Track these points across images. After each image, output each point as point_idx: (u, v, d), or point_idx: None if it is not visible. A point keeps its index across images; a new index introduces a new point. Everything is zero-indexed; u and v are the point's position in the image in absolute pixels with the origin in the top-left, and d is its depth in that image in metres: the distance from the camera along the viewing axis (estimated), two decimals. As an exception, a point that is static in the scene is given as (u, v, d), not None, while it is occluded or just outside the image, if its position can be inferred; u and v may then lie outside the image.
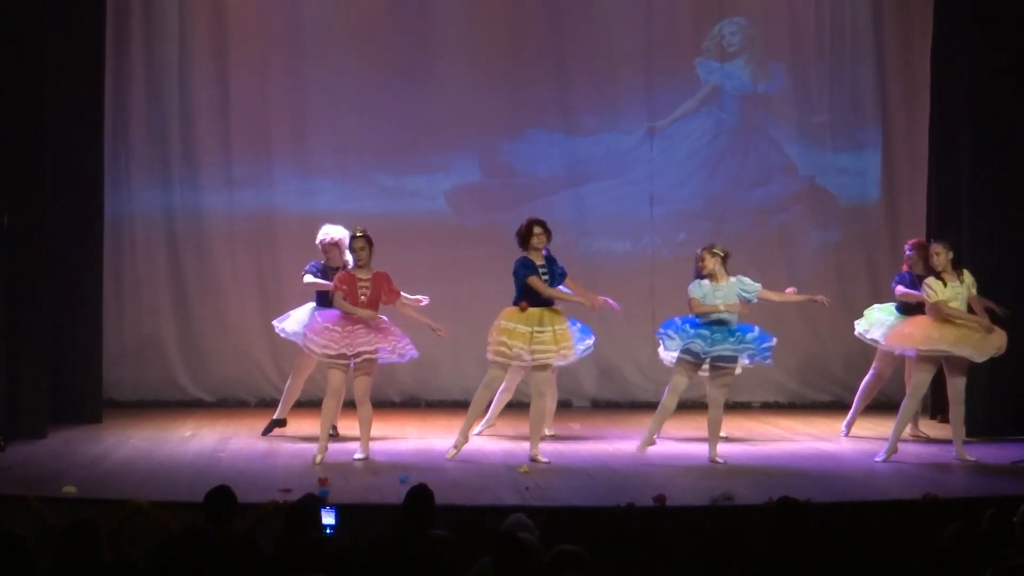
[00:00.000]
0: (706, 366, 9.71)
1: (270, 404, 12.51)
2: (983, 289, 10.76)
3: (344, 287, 9.57)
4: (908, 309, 10.41)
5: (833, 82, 13.25)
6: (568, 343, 9.61)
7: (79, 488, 7.96)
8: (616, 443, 10.50)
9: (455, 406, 12.71)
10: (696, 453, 10.00)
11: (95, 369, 11.26)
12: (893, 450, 9.74)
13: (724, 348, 9.54)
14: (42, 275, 10.49)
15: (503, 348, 9.51)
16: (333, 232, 10.32)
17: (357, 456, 9.47)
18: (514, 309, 9.59)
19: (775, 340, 9.82)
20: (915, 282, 10.39)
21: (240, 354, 12.63)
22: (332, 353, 9.48)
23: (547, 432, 10.48)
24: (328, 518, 6.45)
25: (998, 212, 10.96)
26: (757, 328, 9.79)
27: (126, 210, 12.64)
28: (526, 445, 10.01)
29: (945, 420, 11.58)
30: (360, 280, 9.59)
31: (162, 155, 12.80)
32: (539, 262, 9.64)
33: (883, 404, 13.01)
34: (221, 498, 6.31)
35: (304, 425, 11.18)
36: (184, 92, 12.79)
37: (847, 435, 10.92)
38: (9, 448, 9.50)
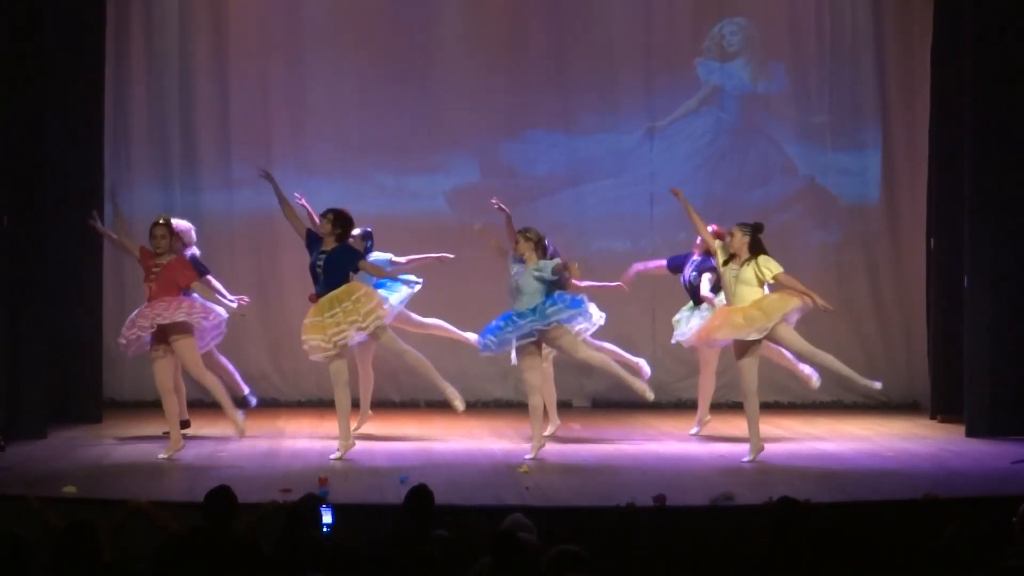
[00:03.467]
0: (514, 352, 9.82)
1: (270, 404, 12.53)
2: (987, 291, 10.81)
3: (141, 254, 9.65)
4: (696, 299, 10.56)
5: (833, 82, 13.24)
6: (363, 311, 9.49)
7: (79, 488, 7.95)
8: (616, 443, 10.50)
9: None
10: (696, 453, 10.01)
11: (95, 369, 11.25)
12: (759, 449, 9.60)
13: (527, 325, 9.56)
14: (42, 275, 10.49)
15: (305, 346, 9.58)
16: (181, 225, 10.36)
17: (161, 456, 9.35)
18: (312, 305, 9.67)
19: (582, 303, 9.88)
20: (694, 266, 10.60)
21: (240, 354, 12.60)
22: (123, 342, 9.58)
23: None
24: (326, 516, 6.45)
25: (998, 212, 10.94)
26: (563, 296, 9.77)
27: (126, 210, 12.60)
28: (526, 445, 10.02)
29: (946, 420, 11.63)
30: (155, 262, 9.59)
31: (162, 155, 12.81)
32: (324, 247, 9.65)
33: (883, 404, 13.04)
34: (221, 498, 6.31)
35: (305, 425, 11.20)
36: (184, 92, 12.80)
37: (698, 433, 10.87)
38: (9, 448, 9.50)
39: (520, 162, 13.19)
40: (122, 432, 10.60)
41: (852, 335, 13.18)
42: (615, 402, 13.00)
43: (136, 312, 9.62)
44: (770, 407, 12.83)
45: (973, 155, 10.99)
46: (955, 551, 5.73)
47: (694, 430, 10.94)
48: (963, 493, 8.22)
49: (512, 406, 12.42)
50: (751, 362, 9.59)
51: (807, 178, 13.30)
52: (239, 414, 9.74)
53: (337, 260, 9.61)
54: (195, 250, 10.52)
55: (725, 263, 9.68)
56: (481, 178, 13.18)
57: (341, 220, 9.72)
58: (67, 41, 10.95)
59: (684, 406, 12.54)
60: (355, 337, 9.57)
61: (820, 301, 9.62)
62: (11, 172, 10.23)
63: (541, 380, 9.82)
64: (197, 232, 12.32)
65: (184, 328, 9.53)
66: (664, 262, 11.06)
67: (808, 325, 12.98)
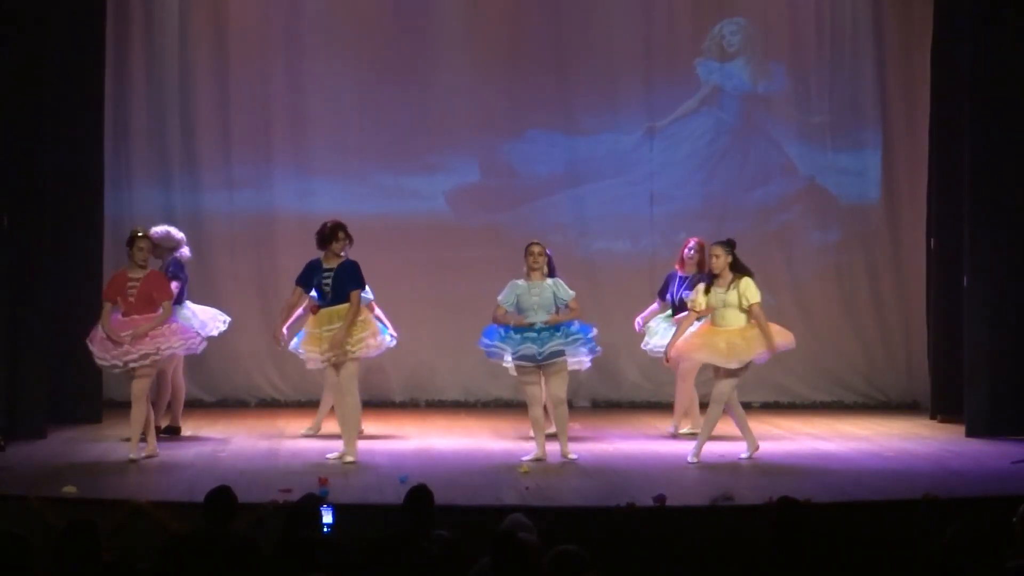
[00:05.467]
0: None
1: (270, 404, 12.57)
2: (986, 291, 10.82)
3: (111, 291, 9.46)
4: (679, 311, 10.48)
5: (833, 82, 13.25)
6: (355, 339, 9.40)
7: (79, 488, 7.95)
8: (616, 443, 10.51)
9: (455, 406, 12.73)
10: (696, 453, 10.00)
11: (95, 369, 11.21)
12: (755, 447, 9.67)
13: (555, 344, 9.43)
14: (42, 275, 10.49)
15: (299, 353, 9.59)
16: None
17: (132, 456, 9.29)
18: (310, 315, 9.62)
19: (595, 330, 9.70)
20: (678, 284, 10.56)
21: (240, 354, 12.64)
22: (107, 364, 9.38)
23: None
24: (326, 516, 6.46)
25: (998, 212, 10.94)
26: (572, 323, 9.62)
27: (126, 210, 12.63)
28: (526, 445, 10.02)
29: (946, 420, 11.63)
30: (130, 279, 9.43)
31: (162, 155, 12.81)
32: (329, 265, 9.52)
33: (883, 404, 13.06)
34: (221, 498, 6.31)
35: (305, 425, 11.19)
36: (184, 92, 12.80)
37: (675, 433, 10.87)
38: (9, 448, 9.52)
39: (520, 162, 13.19)
40: (122, 432, 10.57)
41: (852, 335, 13.19)
42: (615, 402, 13.02)
43: (116, 332, 9.32)
44: (770, 407, 12.87)
45: (973, 155, 10.99)
46: (955, 551, 5.72)
47: (671, 429, 10.93)
48: (963, 493, 8.22)
49: (512, 406, 12.42)
50: (732, 383, 9.54)
51: (807, 178, 13.31)
52: (142, 447, 9.47)
53: (343, 277, 9.52)
54: (186, 250, 10.43)
55: (709, 287, 9.61)
56: (481, 178, 13.18)
57: (348, 234, 9.65)
58: (67, 41, 10.95)
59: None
60: (348, 358, 9.45)
61: (776, 343, 9.48)
62: (11, 172, 10.23)
63: (542, 392, 9.74)
64: (197, 232, 12.35)
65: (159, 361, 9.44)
66: (656, 304, 10.89)
67: (809, 324, 13.04)
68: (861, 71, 13.23)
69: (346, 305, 9.43)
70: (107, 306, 9.47)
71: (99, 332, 9.45)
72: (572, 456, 9.49)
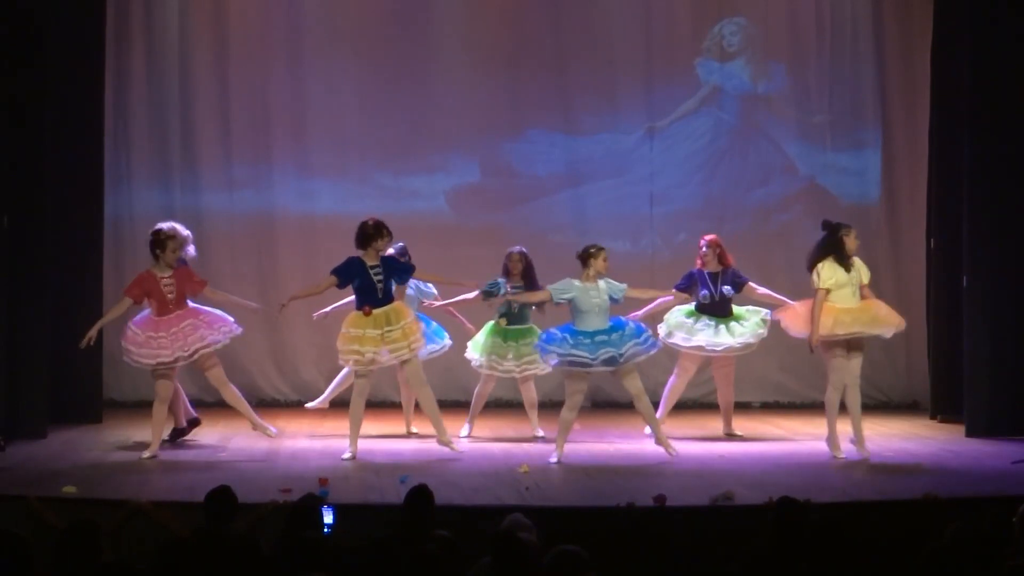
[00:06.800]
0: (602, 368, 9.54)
1: (270, 404, 12.55)
2: (986, 291, 10.82)
3: (140, 291, 9.52)
4: (705, 308, 10.51)
5: (833, 82, 13.25)
6: (416, 335, 9.61)
7: (79, 488, 7.96)
8: (616, 443, 10.50)
9: (455, 406, 12.67)
10: (696, 453, 10.00)
11: (95, 369, 11.25)
12: (862, 442, 9.80)
13: (631, 347, 9.43)
14: (42, 275, 10.49)
15: (357, 356, 9.49)
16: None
17: (271, 432, 9.66)
18: (358, 315, 9.55)
19: (648, 329, 9.72)
20: (708, 280, 10.51)
21: (240, 354, 12.61)
22: (168, 360, 9.39)
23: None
24: (326, 516, 6.46)
25: (997, 211, 10.95)
26: (626, 320, 9.65)
27: (126, 210, 12.63)
28: (526, 446, 10.03)
29: (946, 420, 11.63)
30: (163, 279, 9.51)
31: (162, 155, 12.81)
32: (373, 262, 9.59)
33: (882, 404, 13.05)
34: (221, 498, 6.31)
35: (305, 425, 11.19)
36: (184, 92, 12.80)
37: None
38: (9, 448, 9.52)
39: (520, 162, 13.19)
40: (122, 432, 10.60)
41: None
42: (615, 402, 13.00)
43: (170, 324, 9.44)
44: (770, 407, 12.88)
45: (973, 155, 10.99)
46: (955, 551, 5.72)
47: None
48: (963, 493, 8.22)
49: (512, 406, 12.42)
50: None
51: (807, 178, 13.31)
52: (271, 428, 9.85)
53: (391, 272, 9.67)
54: (191, 248, 10.39)
55: (847, 266, 9.67)
56: (481, 178, 13.19)
57: (390, 230, 9.74)
58: (67, 41, 10.95)
59: (683, 406, 12.53)
60: (407, 356, 9.60)
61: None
62: (11, 172, 10.23)
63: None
64: (197, 232, 12.34)
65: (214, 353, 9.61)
66: (670, 296, 10.70)
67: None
68: (861, 71, 13.23)
69: (400, 304, 9.65)
70: (127, 301, 9.56)
71: (137, 334, 9.47)
72: (674, 452, 9.53)
